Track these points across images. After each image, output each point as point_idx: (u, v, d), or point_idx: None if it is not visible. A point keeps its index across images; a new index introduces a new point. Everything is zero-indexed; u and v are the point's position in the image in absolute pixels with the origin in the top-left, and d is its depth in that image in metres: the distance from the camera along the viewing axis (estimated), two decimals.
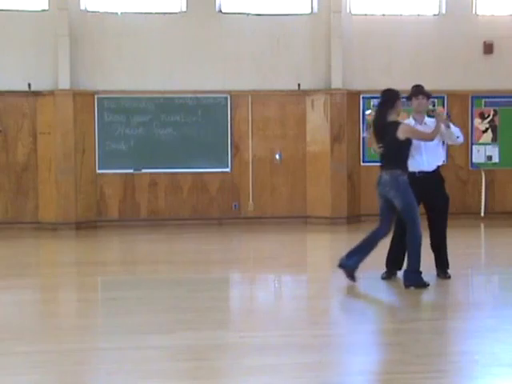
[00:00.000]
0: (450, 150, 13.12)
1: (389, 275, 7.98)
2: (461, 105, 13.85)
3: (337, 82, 13.51)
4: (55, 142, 13.04)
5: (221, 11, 13.54)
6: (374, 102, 13.70)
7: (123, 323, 6.24)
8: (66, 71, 13.01)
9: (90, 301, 7.46)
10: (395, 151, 7.52)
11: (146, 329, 6.02)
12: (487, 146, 14.05)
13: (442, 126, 7.71)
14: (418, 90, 7.93)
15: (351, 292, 7.84)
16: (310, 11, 13.72)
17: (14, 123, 13.12)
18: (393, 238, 7.92)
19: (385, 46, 13.77)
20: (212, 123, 13.53)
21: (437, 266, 8.02)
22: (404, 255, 7.75)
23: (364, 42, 13.76)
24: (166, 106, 13.45)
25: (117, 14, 13.35)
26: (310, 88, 13.63)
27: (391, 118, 7.58)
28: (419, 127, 7.82)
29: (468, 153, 13.97)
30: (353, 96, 13.61)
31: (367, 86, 13.65)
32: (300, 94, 13.62)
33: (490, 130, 14.05)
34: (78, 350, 5.42)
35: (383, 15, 13.87)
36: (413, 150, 7.66)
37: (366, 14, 13.85)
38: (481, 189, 13.99)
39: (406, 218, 7.47)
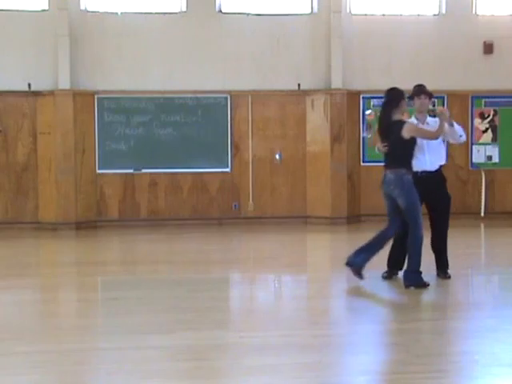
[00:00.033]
0: (450, 149, 13.09)
1: (389, 275, 7.98)
2: (461, 105, 13.85)
3: (337, 82, 13.51)
4: (55, 142, 13.04)
5: (221, 11, 13.54)
6: (374, 101, 13.76)
7: (123, 323, 6.24)
8: (66, 71, 13.01)
9: (90, 301, 7.46)
10: (400, 150, 7.52)
11: (146, 329, 6.02)
12: (487, 146, 14.06)
13: (446, 125, 7.71)
14: (420, 90, 7.92)
15: (351, 292, 7.84)
16: (310, 11, 13.72)
17: (14, 123, 13.12)
18: (395, 238, 7.92)
19: (385, 45, 13.77)
20: (212, 123, 13.53)
21: (437, 266, 8.02)
22: (405, 256, 7.75)
23: (364, 42, 13.77)
24: (166, 106, 13.45)
25: (117, 13, 13.35)
26: (310, 88, 13.63)
27: (396, 117, 7.57)
28: (422, 126, 7.82)
29: (468, 153, 13.97)
30: (353, 96, 13.61)
31: (367, 86, 13.66)
32: (300, 94, 13.62)
33: (489, 130, 14.06)
34: (78, 349, 5.42)
35: (383, 15, 13.87)
36: (415, 150, 7.65)
37: (366, 14, 13.85)
38: (481, 189, 14.00)
39: (409, 217, 7.47)
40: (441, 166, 7.97)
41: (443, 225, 7.93)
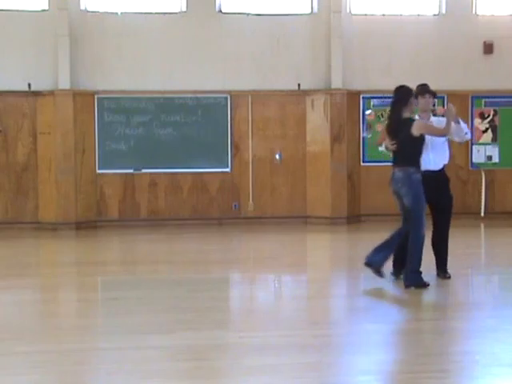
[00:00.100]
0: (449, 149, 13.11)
1: (397, 274, 7.95)
2: (461, 105, 13.78)
3: (337, 82, 13.51)
4: (55, 142, 13.04)
5: (221, 11, 13.54)
6: (374, 101, 13.77)
7: (123, 323, 6.24)
8: (66, 71, 13.01)
9: (90, 301, 7.46)
10: (409, 148, 7.51)
11: (146, 329, 6.01)
12: (487, 146, 14.06)
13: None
14: (424, 89, 7.91)
15: (351, 292, 7.85)
16: (310, 11, 13.72)
17: (14, 123, 13.12)
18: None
19: (385, 45, 13.77)
20: (212, 123, 13.53)
21: (437, 266, 8.01)
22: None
23: (364, 42, 13.77)
24: (166, 106, 13.45)
25: (117, 13, 13.35)
26: (310, 88, 13.63)
27: (405, 115, 7.57)
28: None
29: (468, 153, 13.97)
30: (353, 96, 13.61)
31: (367, 86, 13.66)
32: (300, 94, 13.62)
33: (490, 130, 14.06)
34: (78, 349, 5.42)
35: (383, 15, 13.87)
36: None
37: (366, 14, 13.85)
38: (481, 189, 14.00)
39: (412, 216, 7.46)
40: (444, 166, 7.97)
41: (445, 225, 7.92)
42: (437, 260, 8.03)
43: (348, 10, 13.75)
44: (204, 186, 13.57)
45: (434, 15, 14.01)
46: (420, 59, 13.75)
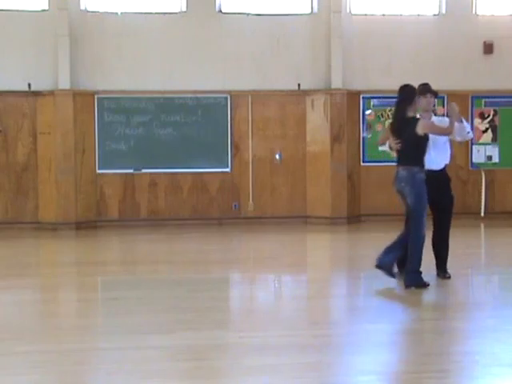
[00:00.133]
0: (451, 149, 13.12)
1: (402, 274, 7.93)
2: (461, 105, 13.61)
3: (337, 82, 13.51)
4: (55, 142, 13.04)
5: (221, 11, 13.54)
6: (374, 101, 13.77)
7: (123, 323, 6.24)
8: (66, 71, 13.01)
9: (90, 301, 7.46)
10: (413, 147, 7.50)
11: (146, 329, 6.02)
12: (487, 146, 14.06)
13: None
14: (426, 89, 7.90)
15: (351, 292, 7.85)
16: (310, 11, 13.72)
17: (14, 123, 13.12)
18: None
19: (385, 45, 13.77)
20: (212, 123, 13.53)
21: (437, 266, 8.01)
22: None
23: (364, 42, 13.77)
24: (166, 106, 13.45)
25: (117, 13, 13.35)
26: (310, 88, 13.63)
27: (409, 114, 7.56)
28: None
29: (468, 153, 13.97)
30: (353, 96, 13.61)
31: (367, 86, 13.66)
32: (300, 94, 13.62)
33: (490, 130, 14.06)
34: (78, 349, 5.42)
35: (383, 15, 13.87)
36: None
37: (366, 14, 13.85)
38: (481, 189, 14.00)
39: (414, 216, 7.46)
40: (446, 166, 7.97)
41: (445, 224, 7.92)
42: (437, 260, 8.02)
43: (348, 10, 13.75)
44: (204, 186, 13.57)
45: (434, 15, 14.01)
46: (420, 59, 13.75)
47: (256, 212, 13.66)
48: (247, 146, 13.60)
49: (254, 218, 13.59)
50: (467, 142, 12.42)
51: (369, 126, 13.77)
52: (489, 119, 14.03)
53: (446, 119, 8.00)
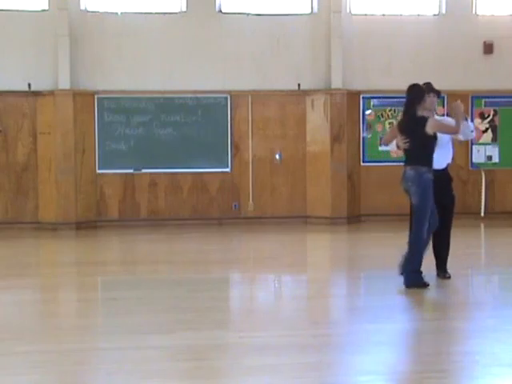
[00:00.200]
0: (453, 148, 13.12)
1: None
2: None
3: (337, 82, 13.51)
4: (55, 142, 13.04)
5: (221, 11, 13.54)
6: (374, 101, 13.77)
7: (123, 323, 6.24)
8: (66, 71, 13.01)
9: (89, 301, 7.46)
10: (422, 146, 7.49)
11: (146, 329, 6.01)
12: (487, 146, 14.06)
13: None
14: (429, 88, 7.89)
15: (351, 292, 7.84)
16: (310, 11, 13.72)
17: (14, 123, 13.12)
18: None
19: (385, 45, 13.77)
20: (212, 123, 13.53)
21: (437, 266, 8.00)
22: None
23: (364, 42, 13.76)
24: (166, 106, 13.45)
25: (117, 13, 13.35)
26: (310, 88, 13.63)
27: (419, 113, 7.55)
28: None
29: (468, 153, 13.97)
30: (353, 96, 13.61)
31: (367, 86, 13.66)
32: (300, 94, 13.62)
33: (490, 130, 14.06)
34: (78, 349, 5.42)
35: (383, 15, 13.87)
36: None
37: (366, 14, 13.85)
38: (481, 189, 14.00)
39: (417, 216, 7.45)
40: (448, 165, 7.96)
41: (447, 224, 7.90)
42: (437, 260, 8.02)
43: (348, 10, 13.75)
44: (204, 186, 13.57)
45: (434, 15, 14.01)
46: (420, 59, 13.75)
47: (256, 212, 13.66)
48: (247, 145, 13.60)
49: (253, 218, 13.59)
50: (467, 142, 12.44)
51: (369, 126, 13.77)
52: (489, 119, 14.03)
53: (448, 119, 8.00)
